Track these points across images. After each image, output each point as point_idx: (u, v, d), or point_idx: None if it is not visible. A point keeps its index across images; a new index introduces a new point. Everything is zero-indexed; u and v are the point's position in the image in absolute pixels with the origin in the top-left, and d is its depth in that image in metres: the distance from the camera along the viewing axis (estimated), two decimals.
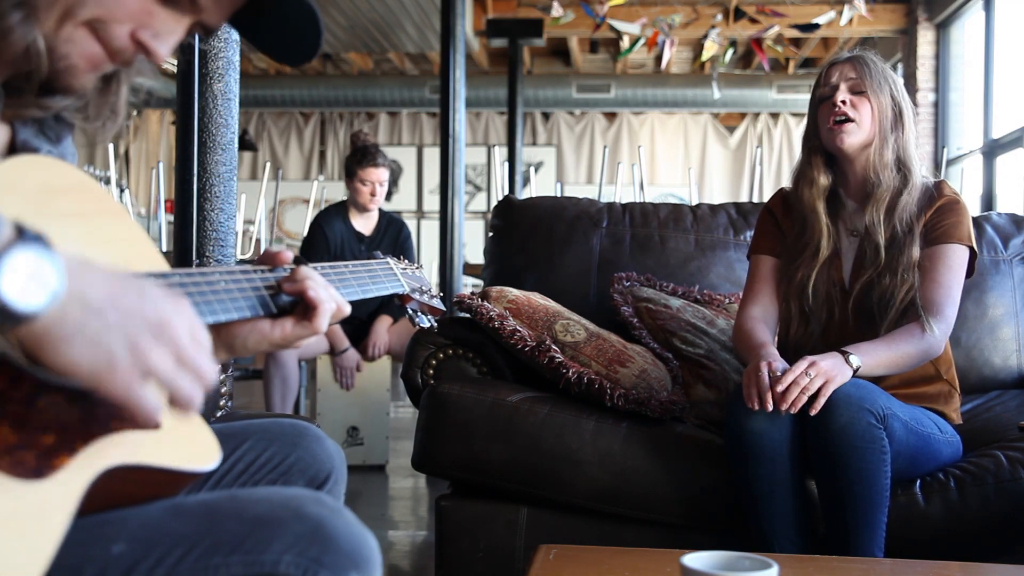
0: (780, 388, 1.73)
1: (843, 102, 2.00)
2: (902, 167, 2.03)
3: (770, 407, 1.73)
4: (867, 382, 1.79)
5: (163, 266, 0.89)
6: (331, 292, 1.02)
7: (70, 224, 0.80)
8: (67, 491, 0.72)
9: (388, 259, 1.31)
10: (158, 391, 0.72)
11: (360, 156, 4.04)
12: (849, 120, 1.99)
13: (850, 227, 2.08)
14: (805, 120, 2.16)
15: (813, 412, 1.73)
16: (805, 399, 1.73)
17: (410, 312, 1.36)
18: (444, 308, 1.41)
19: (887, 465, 1.73)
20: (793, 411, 1.73)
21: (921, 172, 2.06)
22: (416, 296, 1.33)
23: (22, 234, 0.64)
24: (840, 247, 2.08)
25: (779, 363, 1.79)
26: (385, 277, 1.26)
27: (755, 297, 2.10)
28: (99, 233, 0.84)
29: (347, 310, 1.06)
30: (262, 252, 1.06)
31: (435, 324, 1.43)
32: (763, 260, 2.14)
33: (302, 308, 1.00)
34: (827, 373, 1.74)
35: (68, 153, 0.99)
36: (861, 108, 2.00)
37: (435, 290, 1.43)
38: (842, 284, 2.05)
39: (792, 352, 1.98)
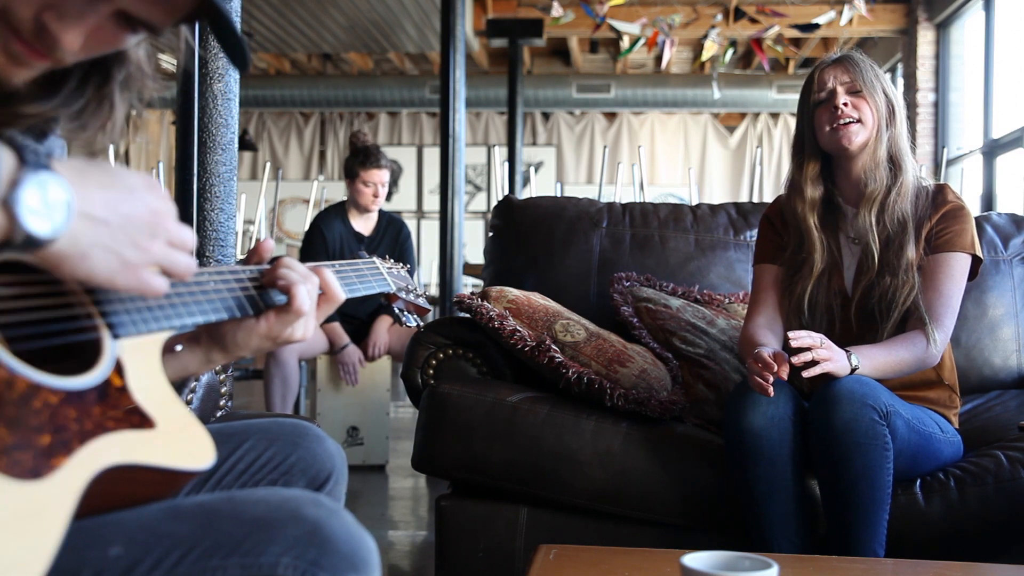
0: (794, 341, 1.72)
1: (845, 104, 1.99)
2: (894, 163, 2.02)
3: (771, 391, 1.73)
4: (870, 379, 1.79)
5: None
6: (311, 279, 1.01)
7: None
8: (66, 491, 0.72)
9: (374, 259, 1.32)
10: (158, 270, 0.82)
11: (363, 157, 4.02)
12: (854, 121, 1.99)
13: (850, 235, 2.07)
14: (794, 127, 2.14)
15: (807, 374, 1.73)
16: (810, 357, 1.72)
17: (396, 311, 1.37)
18: (429, 307, 1.43)
19: (890, 462, 1.73)
20: (797, 363, 1.72)
21: (915, 170, 2.05)
22: (402, 295, 1.34)
23: (24, 160, 0.68)
24: (841, 256, 2.06)
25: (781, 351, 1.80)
26: (372, 276, 1.27)
27: (759, 307, 2.08)
28: None
29: (340, 296, 1.05)
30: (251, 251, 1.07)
31: (421, 323, 1.45)
32: (766, 269, 2.13)
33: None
34: (833, 353, 1.76)
35: (56, 147, 0.98)
36: (861, 108, 2.00)
37: (420, 289, 1.45)
38: (844, 293, 2.03)
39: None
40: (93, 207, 0.74)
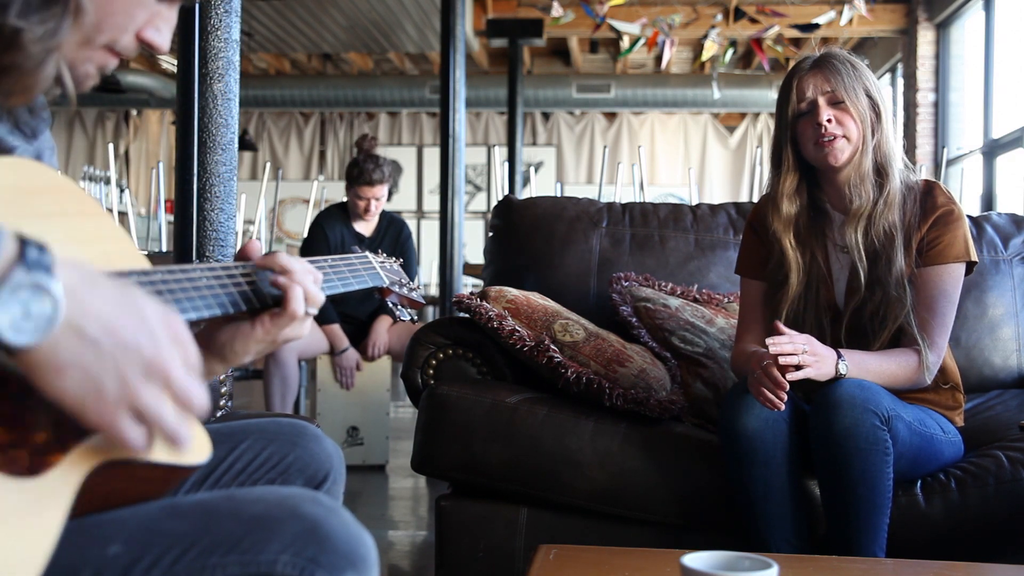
0: (773, 347, 1.67)
1: (828, 121, 1.88)
2: (880, 173, 1.92)
3: (782, 406, 1.70)
4: (872, 383, 1.76)
5: (144, 264, 0.89)
6: (306, 277, 1.01)
7: (52, 224, 0.80)
8: (62, 487, 0.72)
9: (367, 254, 1.32)
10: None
11: (358, 172, 3.98)
12: (839, 136, 1.89)
13: (840, 243, 1.97)
14: (773, 133, 2.02)
15: (791, 376, 1.68)
16: (796, 361, 1.68)
17: (390, 305, 1.37)
18: (423, 301, 1.43)
19: (890, 467, 1.73)
20: (782, 361, 1.67)
21: (902, 170, 1.95)
22: (396, 289, 1.34)
23: (24, 256, 0.63)
24: (829, 267, 1.98)
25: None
26: (365, 271, 1.27)
27: (749, 329, 2.03)
28: (81, 231, 0.84)
29: (319, 277, 1.03)
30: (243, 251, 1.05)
31: (415, 317, 1.45)
32: (751, 285, 2.06)
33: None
34: (818, 357, 1.72)
35: (46, 148, 0.98)
36: (845, 122, 1.89)
37: (413, 283, 1.45)
38: (835, 307, 1.96)
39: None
40: (87, 322, 0.66)
